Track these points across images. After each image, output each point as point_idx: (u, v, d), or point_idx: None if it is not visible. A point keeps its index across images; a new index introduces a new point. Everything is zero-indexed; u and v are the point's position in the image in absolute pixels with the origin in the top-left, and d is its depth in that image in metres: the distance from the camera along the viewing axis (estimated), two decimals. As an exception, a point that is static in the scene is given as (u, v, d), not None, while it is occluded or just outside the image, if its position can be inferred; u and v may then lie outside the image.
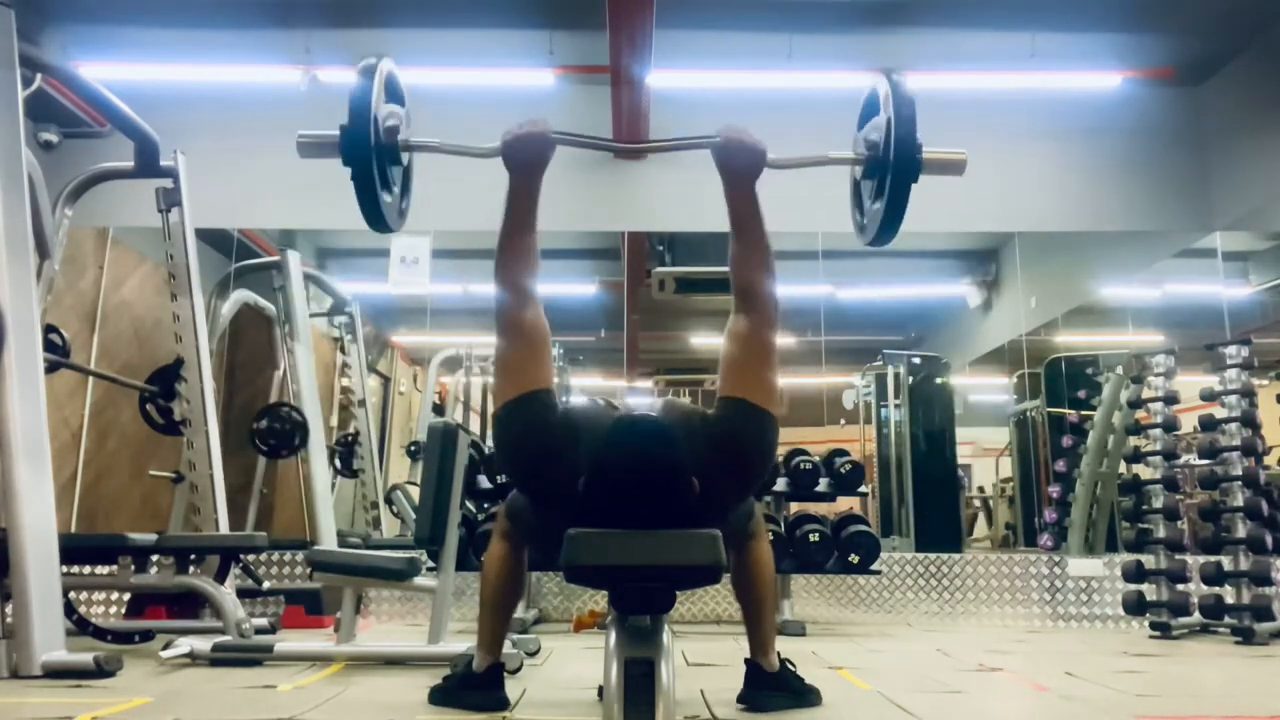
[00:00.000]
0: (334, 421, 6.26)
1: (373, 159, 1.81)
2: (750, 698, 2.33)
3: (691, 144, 1.96)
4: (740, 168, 1.89)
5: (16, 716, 2.21)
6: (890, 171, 1.82)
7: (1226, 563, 4.26)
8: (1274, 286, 6.32)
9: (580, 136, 1.98)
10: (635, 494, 1.63)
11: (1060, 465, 6.11)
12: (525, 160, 1.87)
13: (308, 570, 4.35)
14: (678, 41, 5.47)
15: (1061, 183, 6.02)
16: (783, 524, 4.49)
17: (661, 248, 6.39)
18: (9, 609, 2.77)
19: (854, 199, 2.10)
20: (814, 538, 4.31)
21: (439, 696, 2.37)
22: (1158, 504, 4.42)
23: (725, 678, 2.72)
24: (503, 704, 2.32)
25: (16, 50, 3.16)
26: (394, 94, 1.97)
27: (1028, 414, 6.80)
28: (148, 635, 3.49)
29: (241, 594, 3.82)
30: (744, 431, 1.81)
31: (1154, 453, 4.52)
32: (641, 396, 7.49)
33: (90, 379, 5.23)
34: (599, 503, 1.64)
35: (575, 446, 1.76)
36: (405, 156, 1.99)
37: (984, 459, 7.81)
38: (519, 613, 4.21)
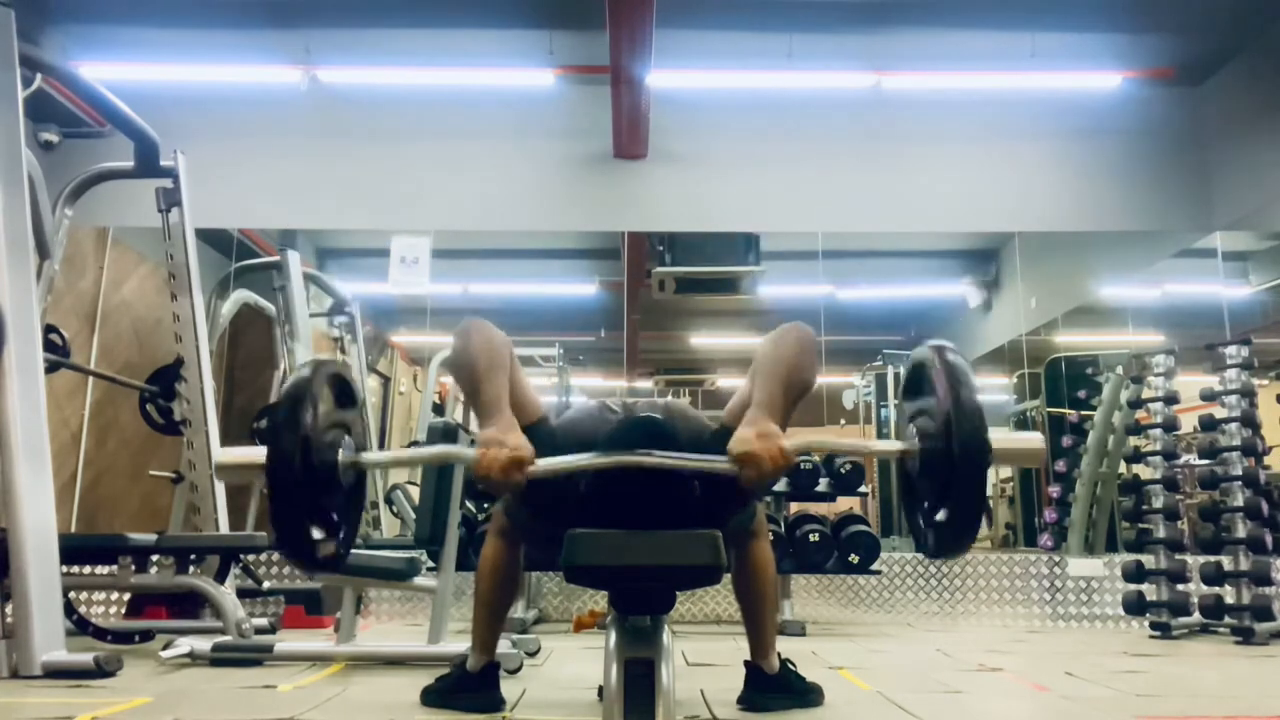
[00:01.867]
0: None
1: (303, 493, 1.46)
2: (751, 699, 2.32)
3: (707, 469, 1.61)
4: (762, 478, 1.59)
5: (16, 716, 2.21)
6: (955, 471, 1.45)
7: (1226, 563, 4.26)
8: (1274, 286, 6.31)
9: (565, 461, 1.59)
10: (638, 496, 1.62)
11: (1060, 465, 6.11)
12: (495, 488, 1.56)
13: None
14: (678, 41, 5.48)
15: (1061, 183, 6.03)
16: (783, 524, 4.49)
17: (661, 248, 6.38)
18: (9, 609, 2.77)
19: (905, 497, 1.71)
20: (814, 538, 4.31)
21: (432, 698, 2.36)
22: (1158, 504, 4.42)
23: (725, 678, 2.72)
24: (498, 704, 2.31)
25: (16, 50, 3.16)
26: (343, 397, 1.61)
27: (1028, 414, 6.79)
28: (148, 635, 3.48)
29: (241, 594, 3.82)
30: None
31: (1154, 453, 4.52)
32: (642, 396, 7.48)
33: (90, 379, 5.23)
34: (601, 503, 1.64)
35: (575, 452, 1.75)
36: (350, 475, 1.59)
37: (984, 459, 7.80)
38: (519, 612, 4.21)
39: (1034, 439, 1.55)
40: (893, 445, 1.58)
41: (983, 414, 1.44)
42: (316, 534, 1.51)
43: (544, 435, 1.78)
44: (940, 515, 1.51)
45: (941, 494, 1.51)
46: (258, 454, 1.44)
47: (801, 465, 4.54)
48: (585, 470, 1.57)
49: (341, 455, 1.53)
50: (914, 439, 1.56)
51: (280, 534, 1.45)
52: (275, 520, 1.44)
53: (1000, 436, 1.46)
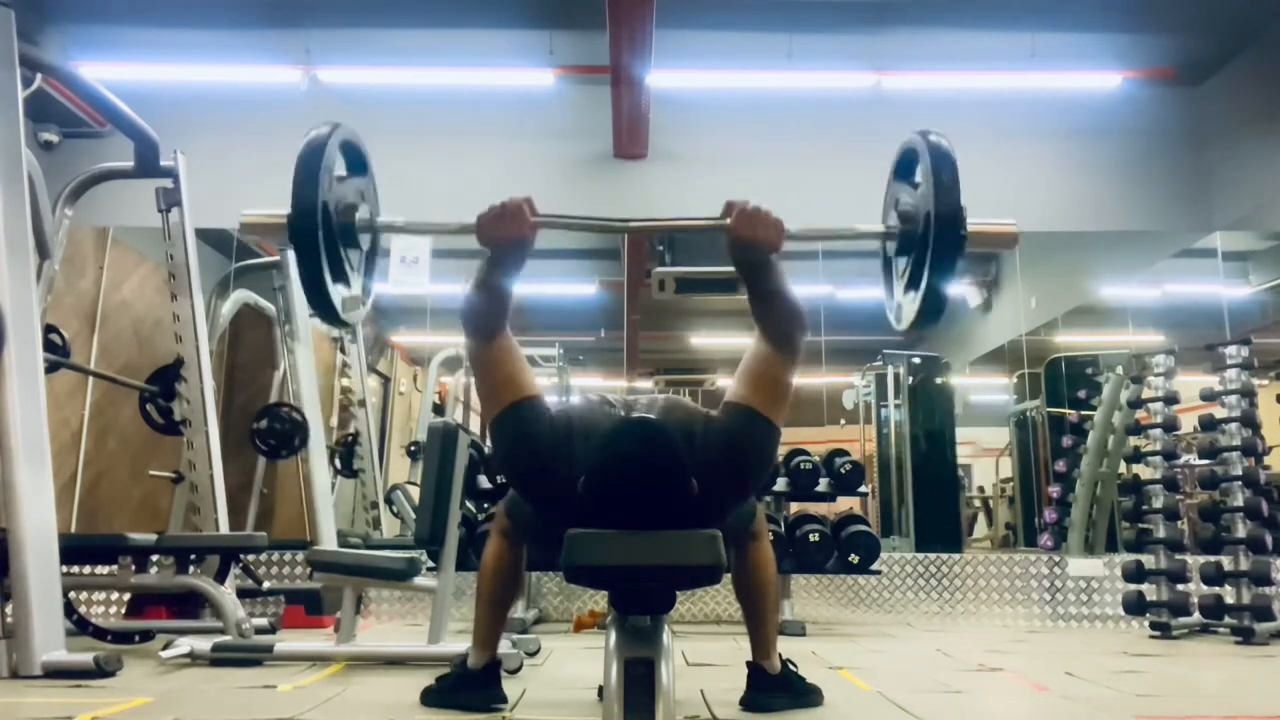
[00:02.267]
0: (334, 422, 6.26)
1: (321, 250, 1.58)
2: (753, 700, 2.32)
3: (699, 225, 1.76)
4: (755, 249, 1.70)
5: (16, 716, 2.21)
6: (930, 249, 1.54)
7: (1226, 563, 4.26)
8: (1274, 286, 6.32)
9: (569, 217, 1.75)
10: (635, 495, 1.63)
11: (1060, 465, 6.11)
12: (503, 246, 1.71)
13: (308, 570, 4.36)
14: (678, 41, 5.48)
15: (1061, 183, 6.03)
16: (783, 524, 4.49)
17: (661, 248, 6.39)
18: (9, 609, 2.77)
19: (885, 277, 1.82)
20: (814, 538, 4.31)
21: (433, 697, 2.36)
22: (1158, 504, 4.42)
23: (725, 678, 2.72)
24: (499, 702, 2.32)
25: (16, 50, 3.16)
26: (354, 164, 1.74)
27: (1028, 414, 6.80)
28: (148, 635, 3.48)
29: (241, 594, 3.82)
30: (744, 436, 1.79)
31: (1154, 453, 4.52)
32: (642, 394, 7.47)
33: (90, 379, 5.23)
34: (599, 503, 1.64)
35: (572, 449, 1.76)
36: (366, 238, 1.74)
37: (984, 459, 7.81)
38: (519, 612, 4.21)
39: (1008, 223, 1.65)
40: (876, 226, 1.73)
41: (959, 195, 1.53)
42: (341, 287, 1.64)
43: (540, 411, 1.80)
44: (912, 289, 1.62)
45: (914, 270, 1.62)
46: (280, 212, 1.57)
47: (801, 465, 4.54)
48: (585, 224, 1.84)
49: (359, 215, 1.67)
50: (894, 222, 1.69)
51: (306, 286, 1.58)
52: (301, 274, 1.56)
53: (975, 219, 1.55)
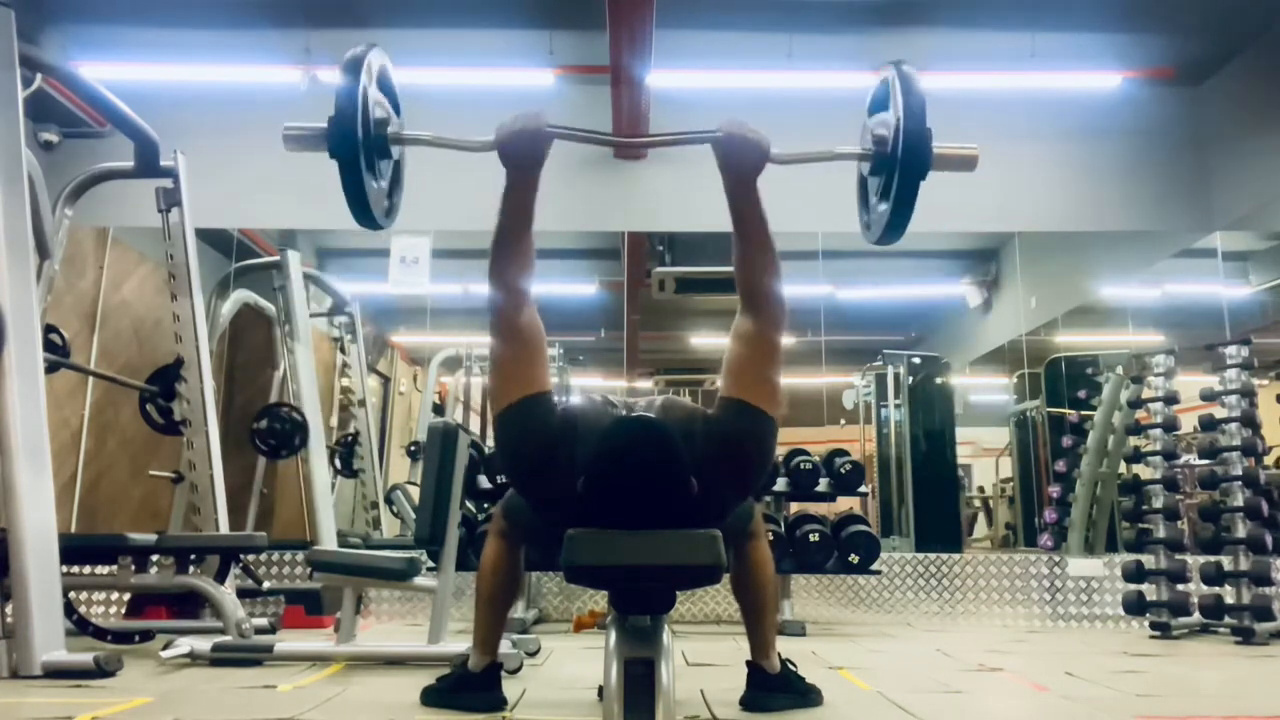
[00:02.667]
0: (334, 421, 6.26)
1: (360, 152, 1.74)
2: (753, 699, 2.32)
3: (692, 138, 1.89)
4: (742, 163, 1.83)
5: (16, 716, 2.21)
6: (898, 167, 1.74)
7: (1226, 563, 4.26)
8: (1274, 286, 6.31)
9: (577, 130, 1.88)
10: (634, 494, 1.62)
11: (1060, 465, 6.11)
12: (521, 154, 1.80)
13: (308, 570, 4.36)
14: (678, 41, 5.48)
15: (1061, 183, 6.03)
16: (783, 524, 4.49)
17: (661, 248, 6.39)
18: (9, 609, 2.77)
19: (860, 196, 2.01)
20: (814, 538, 4.31)
21: (433, 697, 2.36)
22: (1158, 504, 4.42)
23: (725, 678, 2.72)
24: (499, 704, 2.32)
25: (16, 50, 3.16)
26: (384, 86, 1.89)
27: (1028, 414, 6.80)
28: (148, 635, 3.48)
29: (241, 594, 3.82)
30: (743, 432, 1.79)
31: (1154, 453, 4.52)
32: (641, 395, 7.47)
33: (90, 379, 5.23)
34: (598, 503, 1.64)
35: (574, 448, 1.76)
36: (396, 150, 1.93)
37: (984, 459, 7.81)
38: (519, 613, 4.21)
39: (970, 147, 1.82)
40: (853, 148, 1.91)
41: (924, 122, 1.74)
42: (374, 193, 1.83)
43: (546, 407, 1.79)
44: (883, 203, 1.82)
45: (884, 187, 1.82)
46: (319, 125, 1.74)
47: (801, 465, 4.54)
48: (589, 137, 1.96)
49: (390, 128, 1.83)
50: (869, 145, 1.88)
51: (349, 193, 1.77)
52: (345, 180, 1.75)
53: (940, 143, 1.75)
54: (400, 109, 1.95)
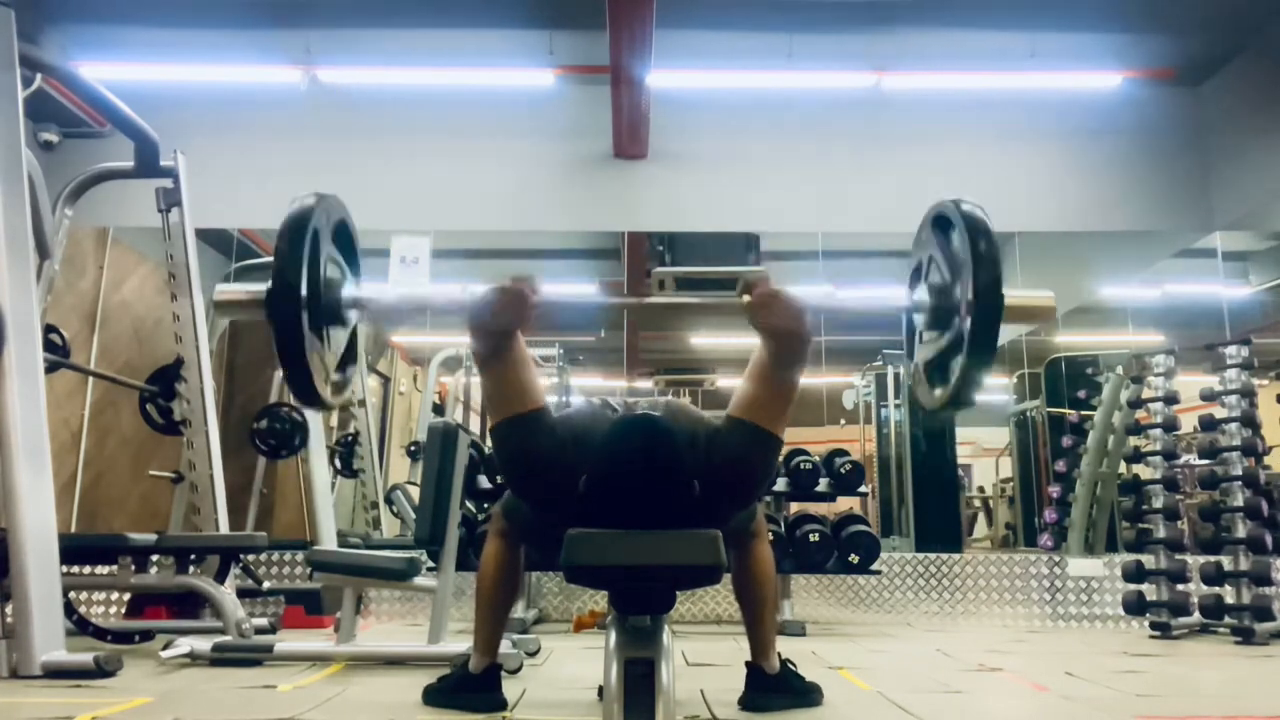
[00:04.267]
0: (334, 421, 6.26)
1: (302, 324, 1.43)
2: (752, 700, 2.32)
3: (715, 304, 1.62)
4: (781, 331, 1.60)
5: (16, 716, 2.21)
6: (969, 325, 1.43)
7: (1226, 563, 4.26)
8: (1274, 286, 6.32)
9: (572, 302, 1.63)
10: (636, 493, 1.62)
11: (1060, 465, 6.11)
12: (490, 327, 1.60)
13: (308, 570, 4.36)
14: (678, 41, 5.47)
15: (1061, 183, 6.02)
16: (783, 524, 4.49)
17: (661, 248, 6.38)
18: (9, 609, 2.77)
19: (909, 349, 1.67)
20: (814, 538, 4.31)
21: (434, 697, 2.36)
22: (1158, 504, 4.42)
23: (725, 678, 2.72)
24: (500, 705, 2.32)
25: (16, 50, 3.16)
26: (341, 239, 1.61)
27: (1028, 414, 6.80)
28: (148, 635, 3.48)
29: (241, 594, 3.82)
30: (748, 451, 1.77)
31: (1154, 453, 4.52)
32: (642, 396, 7.47)
33: (90, 379, 5.23)
34: (599, 502, 1.64)
35: (574, 453, 1.75)
36: (352, 315, 1.60)
37: (984, 459, 7.81)
38: (519, 613, 4.21)
39: (1046, 296, 1.53)
40: (904, 300, 1.58)
41: (1000, 270, 1.41)
42: (321, 366, 1.48)
43: (544, 424, 1.78)
44: (951, 366, 1.48)
45: (951, 347, 1.48)
46: (258, 288, 1.41)
47: (802, 465, 4.54)
48: (592, 305, 1.64)
49: (345, 291, 1.51)
50: (923, 296, 1.54)
51: (286, 370, 1.42)
52: (280, 353, 1.40)
53: (1013, 292, 1.44)
54: (359, 265, 1.66)
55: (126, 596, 4.25)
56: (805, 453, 4.64)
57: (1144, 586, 4.38)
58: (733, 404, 1.83)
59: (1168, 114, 6.02)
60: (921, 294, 1.54)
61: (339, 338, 1.56)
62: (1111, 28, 5.69)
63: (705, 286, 6.37)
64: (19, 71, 3.17)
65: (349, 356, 1.61)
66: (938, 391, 1.53)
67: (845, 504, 5.07)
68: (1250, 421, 4.39)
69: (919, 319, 1.57)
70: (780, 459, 4.55)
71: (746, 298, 1.60)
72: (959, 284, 1.43)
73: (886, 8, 5.52)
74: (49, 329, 3.99)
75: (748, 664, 2.37)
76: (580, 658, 3.37)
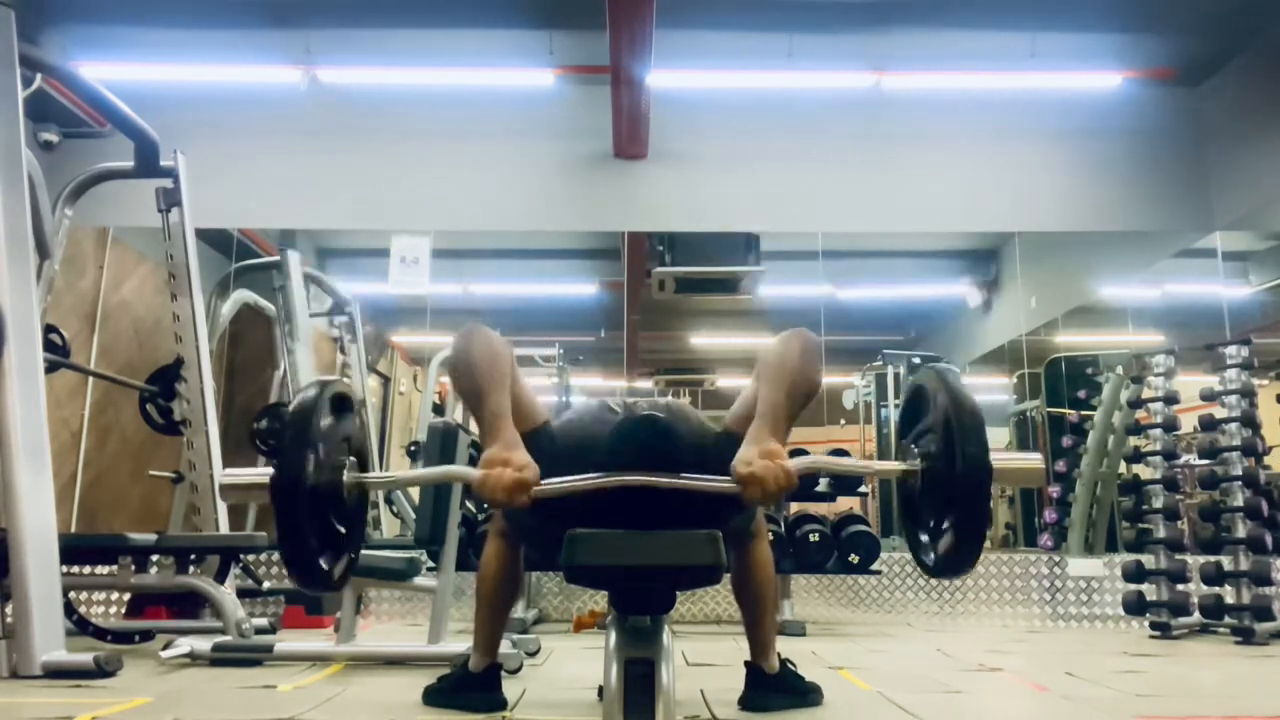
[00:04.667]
0: (334, 421, 6.25)
1: (306, 511, 1.45)
2: (752, 699, 2.32)
3: (710, 488, 1.62)
4: (771, 498, 1.60)
5: (16, 716, 2.21)
6: (958, 492, 1.48)
7: (1226, 563, 4.26)
8: (1274, 286, 6.31)
9: (573, 487, 1.59)
10: (638, 493, 1.62)
11: (1060, 465, 6.11)
12: (495, 501, 1.58)
13: (308, 570, 4.35)
14: (678, 41, 5.48)
15: (1061, 183, 6.03)
16: (783, 524, 4.49)
17: (661, 248, 6.38)
18: (9, 609, 2.77)
19: (906, 516, 1.71)
20: (814, 538, 4.31)
21: (434, 697, 2.37)
22: (1158, 504, 4.42)
23: (725, 678, 2.72)
24: (500, 704, 2.32)
25: (16, 50, 3.16)
26: (345, 416, 1.61)
27: (1028, 414, 6.79)
28: (148, 635, 3.49)
29: (241, 594, 3.82)
30: None
31: (1154, 453, 4.52)
32: (643, 396, 7.47)
33: (90, 379, 5.23)
34: (601, 503, 1.64)
35: (574, 457, 1.75)
36: (354, 496, 1.60)
37: (984, 459, 7.80)
38: (519, 613, 4.21)
39: (1034, 459, 1.58)
40: (895, 466, 1.61)
41: (985, 436, 1.47)
42: (323, 554, 1.51)
43: (545, 441, 1.78)
44: (944, 537, 1.52)
45: (943, 513, 1.52)
46: (262, 475, 1.45)
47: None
48: (591, 490, 1.56)
49: (346, 476, 1.53)
50: (915, 459, 1.58)
51: (287, 556, 1.44)
52: (282, 542, 1.43)
53: (1000, 457, 1.49)
54: (365, 451, 1.68)
55: (126, 596, 4.25)
56: (805, 453, 4.63)
57: (1144, 586, 4.38)
58: (730, 417, 1.83)
59: (1168, 114, 6.03)
60: (914, 459, 1.59)
61: (342, 519, 1.56)
62: (1111, 28, 5.69)
63: (705, 286, 6.37)
64: (19, 71, 3.17)
65: (351, 536, 1.61)
66: (931, 557, 1.56)
67: (845, 504, 5.07)
68: (1250, 421, 4.39)
69: (914, 485, 1.60)
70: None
71: (735, 486, 1.58)
72: (948, 453, 1.48)
73: (886, 8, 5.53)
74: (49, 329, 3.99)
75: (747, 664, 2.36)
76: (580, 658, 3.37)
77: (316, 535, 1.49)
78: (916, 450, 1.60)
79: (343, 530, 1.56)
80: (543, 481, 1.56)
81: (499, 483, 1.54)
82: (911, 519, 1.66)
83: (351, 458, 1.57)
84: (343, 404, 1.59)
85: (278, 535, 1.43)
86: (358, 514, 1.63)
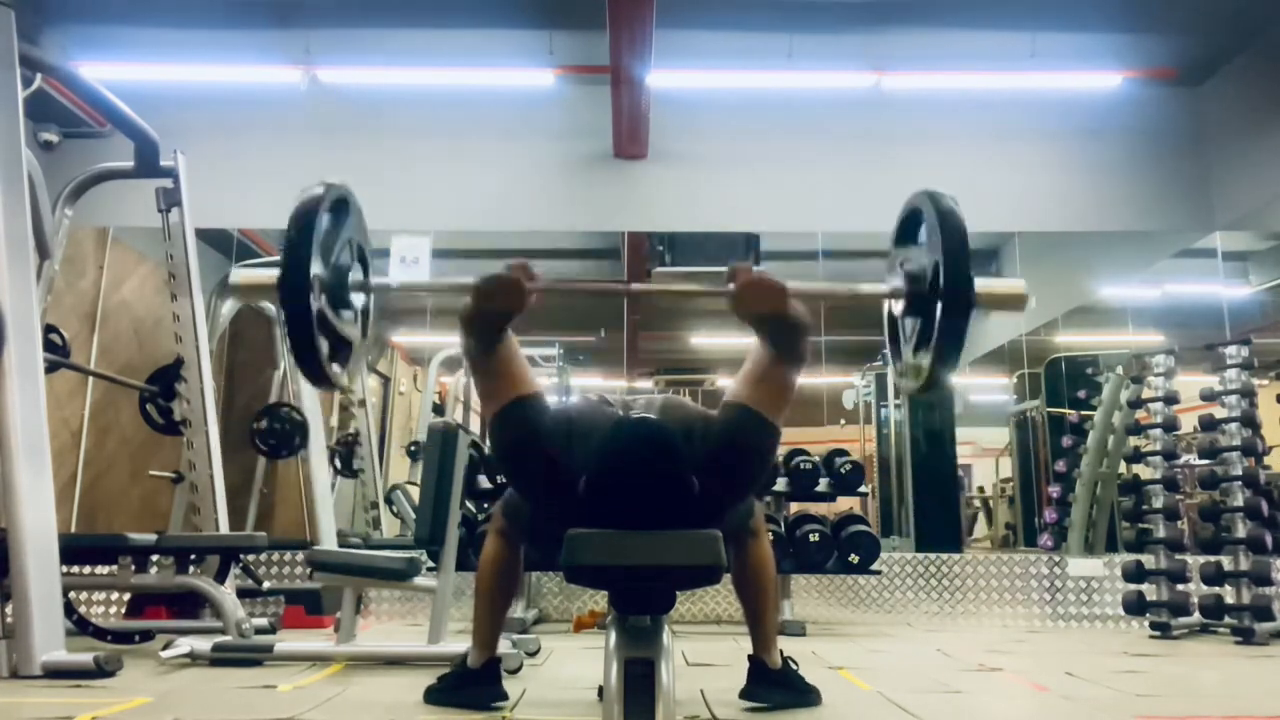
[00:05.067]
0: (334, 421, 6.26)
1: (311, 314, 1.49)
2: (753, 691, 2.34)
3: (702, 292, 1.73)
4: (763, 314, 1.70)
5: (16, 716, 2.21)
6: (939, 312, 1.51)
7: (1226, 563, 4.26)
8: (1274, 286, 6.31)
9: (570, 283, 1.74)
10: (635, 494, 1.63)
11: (1060, 465, 6.11)
12: (489, 312, 1.68)
13: (308, 570, 4.36)
14: (678, 41, 5.47)
15: (1061, 183, 6.02)
16: (783, 524, 4.49)
17: (661, 248, 6.38)
18: (9, 609, 2.77)
19: (890, 338, 1.77)
20: (814, 538, 4.31)
21: (435, 696, 2.37)
22: (1158, 504, 4.42)
23: (725, 678, 2.72)
24: (500, 699, 2.33)
25: (16, 50, 3.16)
26: (348, 223, 1.66)
27: (1028, 414, 6.80)
28: (148, 635, 3.48)
29: (241, 594, 3.82)
30: (743, 435, 1.80)
31: (1154, 453, 4.52)
32: (642, 394, 7.47)
33: (90, 379, 5.23)
34: (599, 503, 1.64)
35: (571, 448, 1.76)
36: (359, 299, 1.68)
37: (984, 459, 7.81)
38: (519, 612, 4.22)
39: (1017, 284, 1.58)
40: (881, 287, 1.69)
41: (968, 257, 1.49)
42: (331, 353, 1.56)
43: (541, 407, 1.80)
44: (922, 350, 1.58)
45: (922, 333, 1.57)
46: (270, 274, 1.48)
47: (801, 465, 4.54)
48: (586, 288, 1.71)
49: (352, 276, 1.60)
50: (899, 283, 1.64)
51: (297, 353, 1.50)
52: (292, 340, 1.49)
53: (984, 280, 1.51)
54: (367, 255, 1.74)
55: (126, 596, 4.25)
56: (805, 453, 4.64)
57: (1144, 586, 4.38)
58: (729, 390, 1.85)
59: (1168, 114, 6.02)
60: (900, 281, 1.64)
61: (347, 320, 1.62)
62: (1111, 28, 5.69)
63: (705, 286, 6.36)
64: (19, 71, 3.17)
65: (366, 326, 1.69)
66: (915, 378, 1.62)
67: (845, 504, 5.07)
68: (1250, 421, 4.39)
69: (897, 306, 1.66)
70: (780, 459, 4.56)
71: (731, 286, 1.68)
72: (933, 273, 1.52)
73: (886, 8, 5.53)
74: (49, 329, 3.99)
75: (750, 658, 2.38)
76: (580, 658, 3.37)
77: (325, 333, 1.53)
78: (903, 270, 1.65)
79: (349, 333, 1.61)
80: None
81: (501, 278, 1.63)
82: (894, 339, 1.73)
83: (356, 261, 1.63)
84: (345, 207, 1.62)
85: (288, 333, 1.48)
86: (363, 317, 1.69)
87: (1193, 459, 4.83)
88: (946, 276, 1.49)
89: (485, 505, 4.49)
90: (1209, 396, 4.57)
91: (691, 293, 1.74)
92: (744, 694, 2.35)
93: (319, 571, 3.31)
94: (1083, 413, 6.24)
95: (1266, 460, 4.47)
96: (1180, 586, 4.32)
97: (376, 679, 2.85)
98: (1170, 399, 4.59)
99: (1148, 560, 4.38)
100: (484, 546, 2.38)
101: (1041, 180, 6.00)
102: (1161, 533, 4.36)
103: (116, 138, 4.29)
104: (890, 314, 1.72)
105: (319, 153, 5.81)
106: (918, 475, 6.35)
